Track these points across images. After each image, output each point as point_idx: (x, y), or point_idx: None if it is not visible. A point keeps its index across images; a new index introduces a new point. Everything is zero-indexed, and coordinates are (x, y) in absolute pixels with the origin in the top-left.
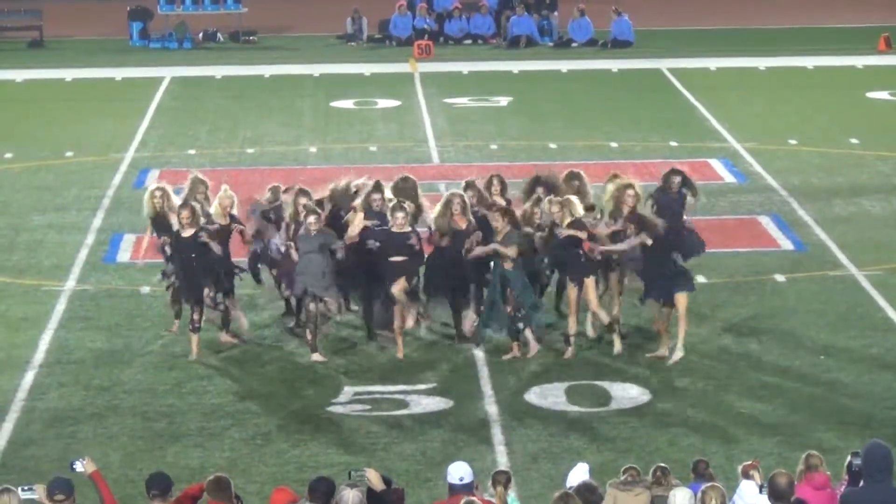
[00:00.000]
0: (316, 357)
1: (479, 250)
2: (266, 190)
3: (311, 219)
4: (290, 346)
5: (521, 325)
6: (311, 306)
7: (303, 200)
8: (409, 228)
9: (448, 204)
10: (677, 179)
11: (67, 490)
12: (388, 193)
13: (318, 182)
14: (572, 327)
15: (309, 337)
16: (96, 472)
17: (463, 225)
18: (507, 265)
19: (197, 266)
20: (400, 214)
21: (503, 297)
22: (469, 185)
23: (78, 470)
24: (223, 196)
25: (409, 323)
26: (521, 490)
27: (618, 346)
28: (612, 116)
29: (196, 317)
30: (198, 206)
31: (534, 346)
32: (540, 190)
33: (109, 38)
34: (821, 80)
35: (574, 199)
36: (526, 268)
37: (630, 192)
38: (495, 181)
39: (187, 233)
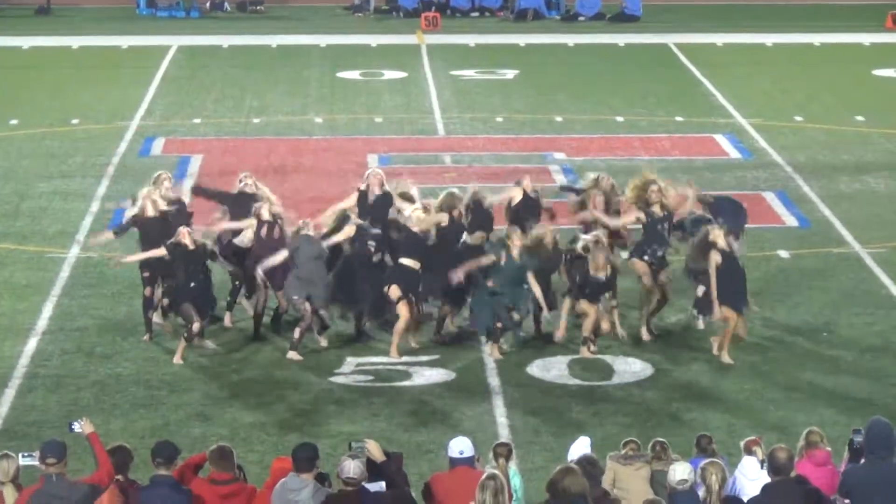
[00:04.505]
0: (293, 356)
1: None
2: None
3: (314, 222)
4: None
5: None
6: (307, 306)
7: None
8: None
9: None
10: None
11: (59, 454)
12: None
13: (322, 151)
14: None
15: (296, 336)
16: (93, 433)
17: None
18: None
19: (206, 278)
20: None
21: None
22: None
23: (76, 430)
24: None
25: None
26: (523, 463)
27: (585, 353)
28: (618, 91)
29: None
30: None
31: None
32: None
33: (117, 6)
34: (827, 57)
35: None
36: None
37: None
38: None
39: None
